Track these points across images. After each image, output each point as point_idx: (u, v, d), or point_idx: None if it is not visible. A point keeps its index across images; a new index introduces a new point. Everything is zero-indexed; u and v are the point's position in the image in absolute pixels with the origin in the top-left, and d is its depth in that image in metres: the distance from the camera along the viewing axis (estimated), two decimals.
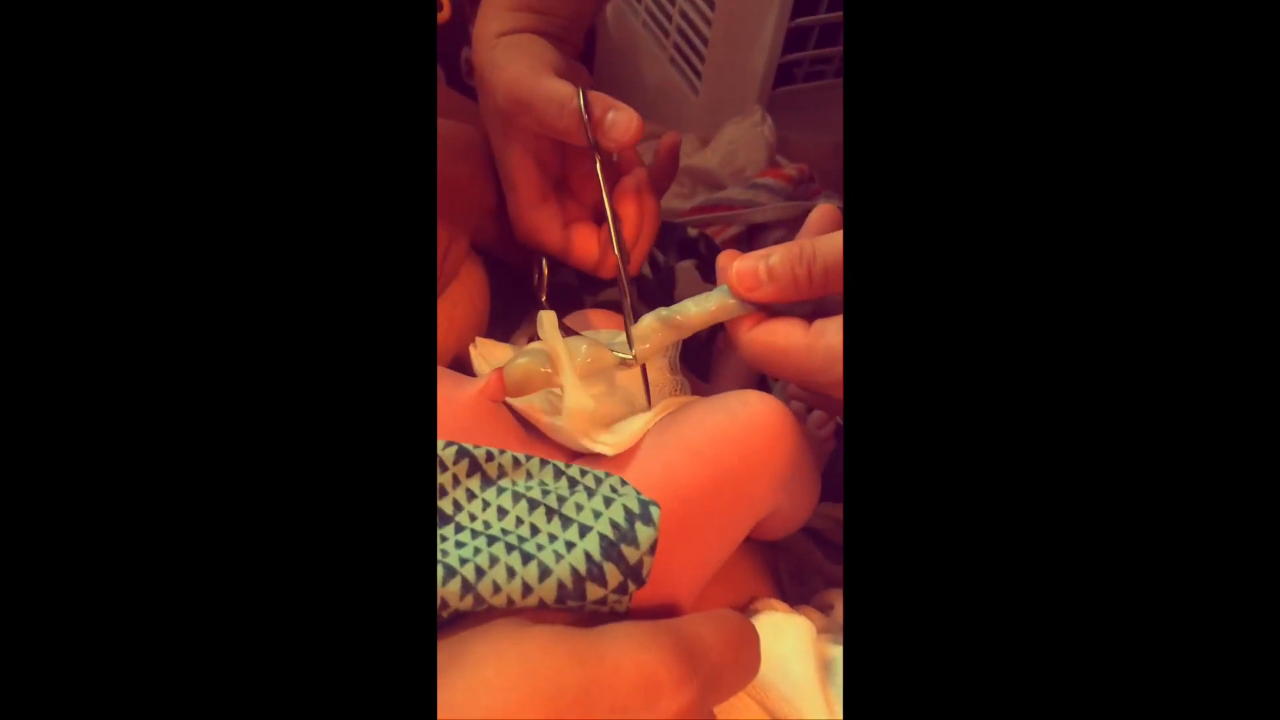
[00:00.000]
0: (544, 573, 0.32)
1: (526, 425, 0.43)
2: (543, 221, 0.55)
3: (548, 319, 0.43)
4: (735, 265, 0.42)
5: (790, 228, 0.78)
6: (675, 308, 0.45)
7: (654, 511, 0.34)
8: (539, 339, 0.51)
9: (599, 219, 0.58)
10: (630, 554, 0.33)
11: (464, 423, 0.40)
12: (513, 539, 0.33)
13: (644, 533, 0.33)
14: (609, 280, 0.71)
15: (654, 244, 0.80)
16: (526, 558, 0.32)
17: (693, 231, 0.78)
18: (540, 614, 0.33)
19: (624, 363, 0.44)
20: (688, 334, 0.45)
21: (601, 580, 0.32)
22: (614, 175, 0.59)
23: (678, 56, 0.99)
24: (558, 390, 0.42)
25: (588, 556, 0.32)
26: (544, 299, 0.56)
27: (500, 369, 0.42)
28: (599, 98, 0.49)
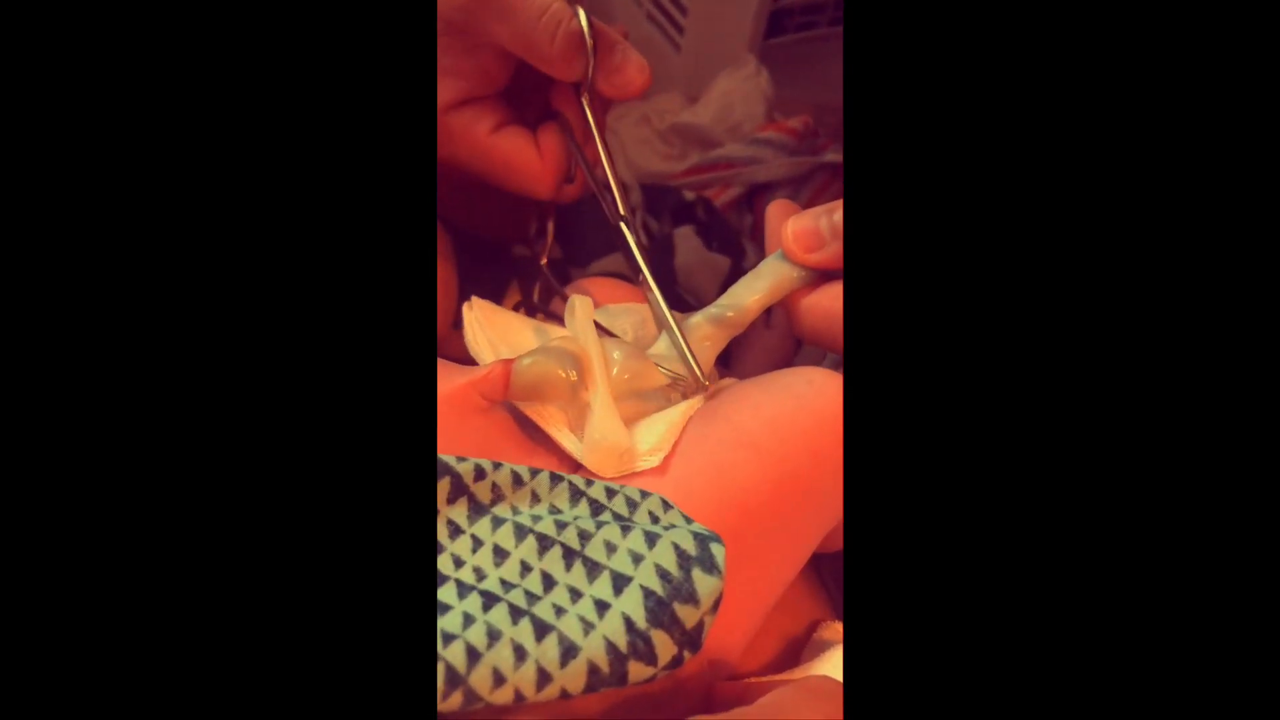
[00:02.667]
0: (568, 651, 0.21)
1: (527, 422, 0.32)
2: (461, 125, 0.39)
3: (581, 306, 0.31)
4: (791, 225, 0.34)
5: (797, 186, 0.67)
6: (725, 302, 0.34)
7: (717, 552, 0.23)
8: (532, 316, 0.39)
9: (535, 125, 0.42)
10: (687, 615, 0.22)
11: (444, 422, 0.29)
12: (518, 597, 0.22)
13: (705, 584, 0.22)
14: (600, 248, 0.60)
15: (647, 210, 0.69)
16: (542, 628, 0.21)
17: (689, 195, 0.67)
18: (563, 706, 0.22)
19: (675, 383, 0.32)
20: (743, 329, 0.34)
21: (649, 656, 0.21)
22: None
23: (655, 11, 0.87)
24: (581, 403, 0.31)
25: (628, 623, 0.22)
26: (544, 261, 0.43)
27: (506, 362, 0.30)
28: (604, 29, 0.37)
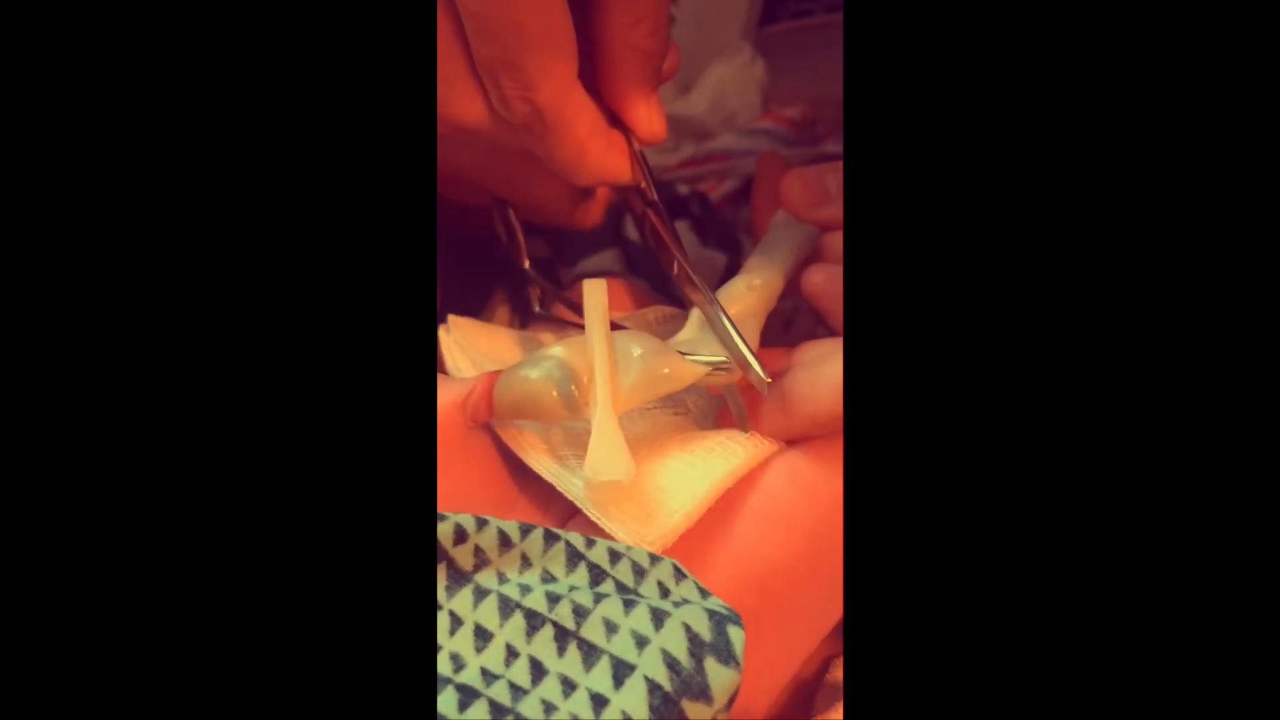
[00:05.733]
0: None
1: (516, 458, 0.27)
2: (617, 154, 0.33)
3: (593, 291, 0.26)
4: (793, 177, 0.32)
5: None
6: (747, 271, 0.30)
7: (735, 638, 0.19)
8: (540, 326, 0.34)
9: None
10: (698, 714, 0.18)
11: None
12: (501, 692, 0.18)
13: (719, 677, 0.19)
14: (588, 245, 0.56)
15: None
16: None
17: (683, 188, 0.63)
18: None
19: (717, 372, 0.26)
20: (775, 299, 0.30)
21: None
22: None
23: None
24: (579, 423, 0.25)
25: None
26: (527, 264, 0.38)
27: (491, 375, 0.26)
28: None
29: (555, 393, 0.24)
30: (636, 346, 0.25)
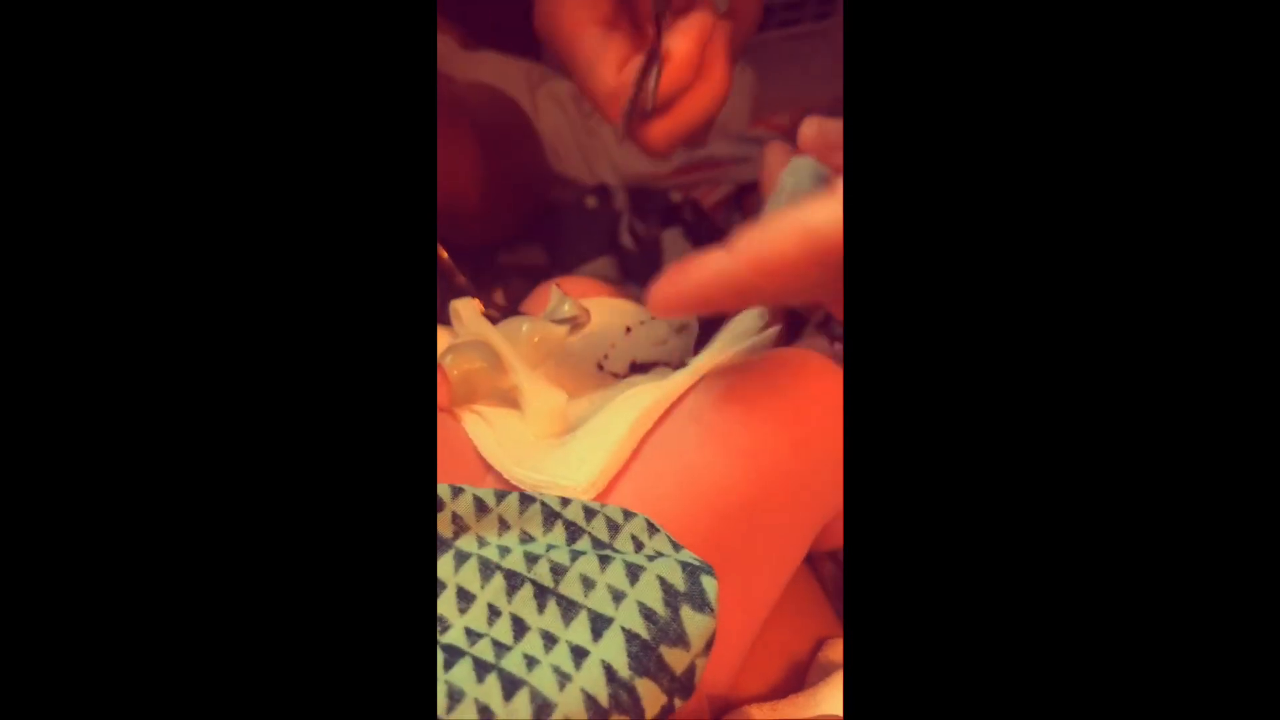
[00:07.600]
0: (541, 709, 0.18)
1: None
2: (611, 54, 0.35)
3: (464, 308, 0.31)
4: (810, 126, 0.31)
5: None
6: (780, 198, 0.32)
7: (709, 586, 0.20)
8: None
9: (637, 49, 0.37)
10: (676, 660, 0.19)
11: None
12: (485, 650, 0.19)
13: (695, 624, 0.19)
14: (584, 252, 0.57)
15: (633, 213, 0.66)
16: (511, 685, 0.18)
17: (676, 196, 0.64)
18: None
19: (572, 323, 0.34)
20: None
21: (635, 708, 0.18)
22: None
23: None
24: (503, 392, 0.29)
25: (609, 673, 0.18)
26: (461, 279, 0.41)
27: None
28: None
29: (478, 364, 0.29)
30: (525, 324, 0.31)
